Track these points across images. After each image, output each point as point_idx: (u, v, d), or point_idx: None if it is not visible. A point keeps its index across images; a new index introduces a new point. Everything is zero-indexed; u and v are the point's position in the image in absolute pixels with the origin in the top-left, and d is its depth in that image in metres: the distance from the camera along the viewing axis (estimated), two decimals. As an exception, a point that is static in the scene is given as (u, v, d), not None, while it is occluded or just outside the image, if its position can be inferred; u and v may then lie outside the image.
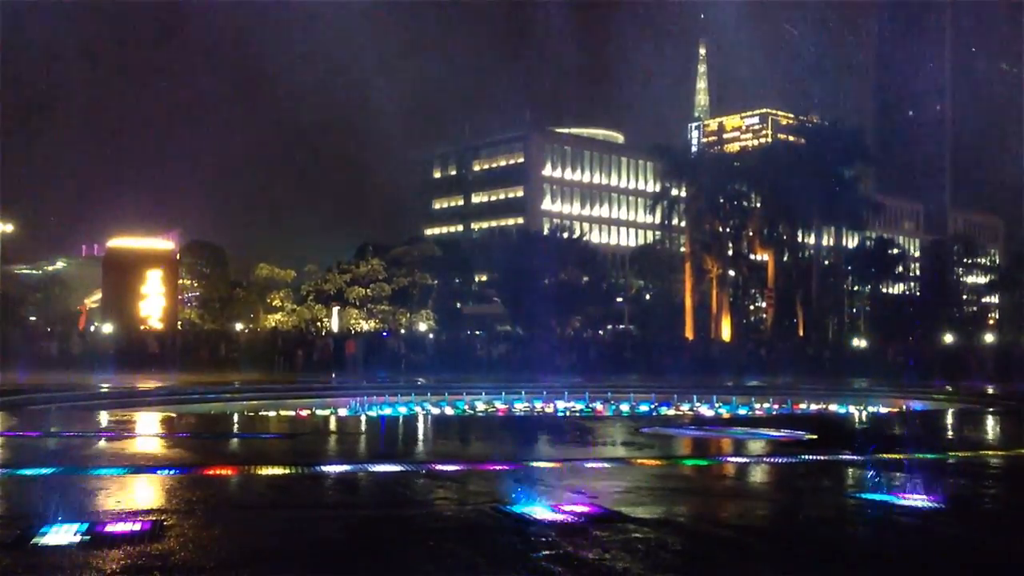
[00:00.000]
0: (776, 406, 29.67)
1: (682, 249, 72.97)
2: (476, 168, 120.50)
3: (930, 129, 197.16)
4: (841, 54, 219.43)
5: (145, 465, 11.40)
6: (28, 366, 32.55)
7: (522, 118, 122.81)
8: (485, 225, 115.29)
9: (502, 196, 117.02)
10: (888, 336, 62.64)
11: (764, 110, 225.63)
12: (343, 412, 26.34)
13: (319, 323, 69.52)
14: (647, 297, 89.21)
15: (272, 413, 24.43)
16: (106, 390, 28.35)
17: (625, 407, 28.26)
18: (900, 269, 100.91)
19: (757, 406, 29.59)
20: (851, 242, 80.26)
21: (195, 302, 74.52)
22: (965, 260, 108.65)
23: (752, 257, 77.12)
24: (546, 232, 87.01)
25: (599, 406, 28.47)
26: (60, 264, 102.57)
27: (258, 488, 9.90)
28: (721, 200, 65.61)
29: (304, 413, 25.14)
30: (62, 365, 37.91)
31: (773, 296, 69.11)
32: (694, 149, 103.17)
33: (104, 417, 20.07)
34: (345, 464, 11.62)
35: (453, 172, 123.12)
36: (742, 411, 28.06)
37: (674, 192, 68.03)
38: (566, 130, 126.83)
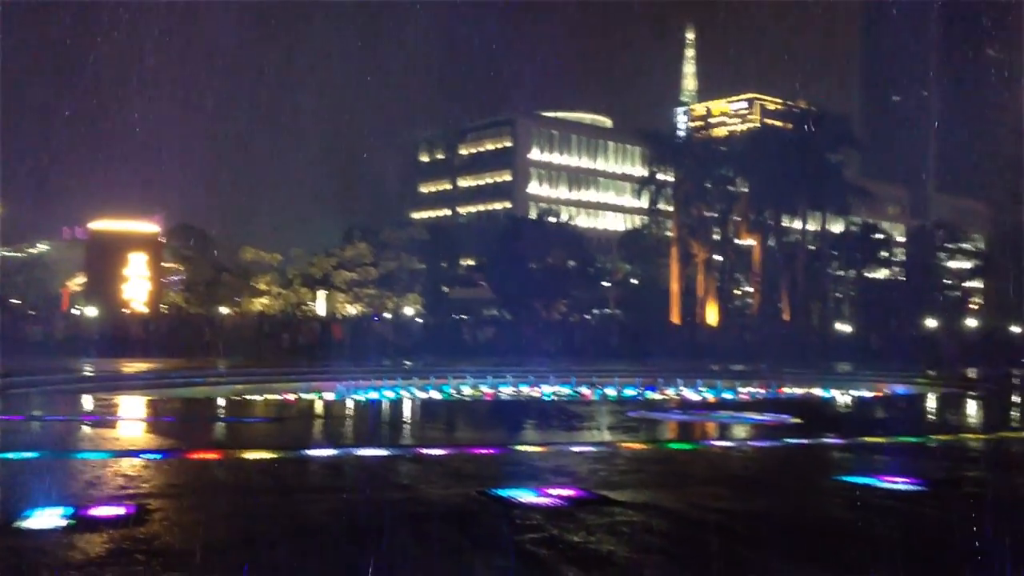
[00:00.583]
0: (761, 390, 29.81)
1: (669, 234, 72.98)
2: (463, 152, 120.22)
3: (916, 114, 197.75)
4: (828, 40, 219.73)
5: (130, 449, 11.37)
6: (10, 349, 32.36)
7: (510, 102, 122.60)
8: (472, 209, 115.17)
9: (489, 180, 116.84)
10: (872, 321, 62.95)
11: (751, 95, 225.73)
12: (329, 396, 26.30)
13: (305, 307, 69.35)
14: (634, 281, 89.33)
15: (258, 397, 24.38)
16: (90, 374, 28.25)
17: (611, 391, 28.34)
18: (884, 254, 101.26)
19: (742, 390, 29.72)
20: (836, 227, 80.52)
21: (179, 286, 74.16)
22: (949, 245, 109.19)
23: (738, 242, 77.26)
24: (533, 216, 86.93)
25: (585, 390, 28.54)
26: (42, 246, 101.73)
27: (243, 472, 9.89)
28: (708, 185, 65.63)
29: (290, 397, 25.09)
30: (45, 348, 37.69)
31: (759, 281, 69.31)
32: (681, 134, 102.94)
33: (88, 401, 20.01)
34: (331, 448, 11.62)
35: (440, 156, 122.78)
36: (727, 395, 28.17)
37: (661, 177, 67.99)
38: (553, 114, 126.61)
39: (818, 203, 64.57)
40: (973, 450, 12.92)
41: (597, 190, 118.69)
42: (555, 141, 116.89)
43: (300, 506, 7.71)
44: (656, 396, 27.65)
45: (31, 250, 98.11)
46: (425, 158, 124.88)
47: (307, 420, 17.72)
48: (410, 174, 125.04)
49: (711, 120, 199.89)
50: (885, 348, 41.32)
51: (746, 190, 67.08)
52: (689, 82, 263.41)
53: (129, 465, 9.97)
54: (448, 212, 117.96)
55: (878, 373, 33.73)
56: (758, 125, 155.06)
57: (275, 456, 10.96)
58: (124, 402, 19.77)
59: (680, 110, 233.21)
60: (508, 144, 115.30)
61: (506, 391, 28.64)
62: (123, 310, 50.97)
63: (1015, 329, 52.88)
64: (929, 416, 20.64)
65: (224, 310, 66.20)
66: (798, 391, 29.91)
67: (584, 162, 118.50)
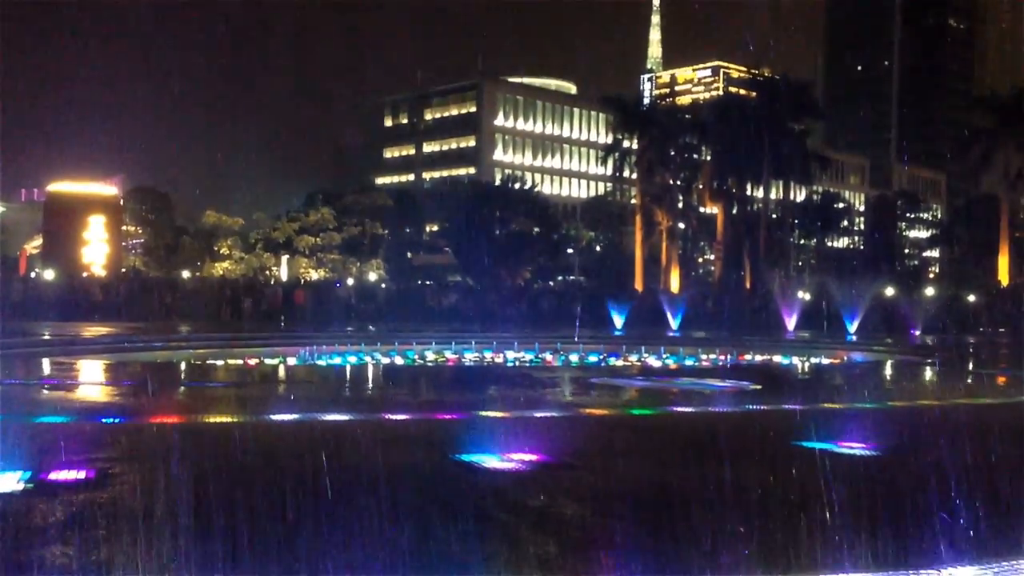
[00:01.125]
0: (722, 357, 30.12)
1: (633, 201, 73.21)
2: (428, 117, 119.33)
3: (878, 84, 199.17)
4: (793, 9, 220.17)
5: (90, 413, 11.27)
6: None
7: (475, 66, 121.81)
8: (437, 175, 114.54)
9: (454, 145, 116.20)
10: (832, 289, 63.71)
11: (716, 63, 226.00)
12: (292, 361, 26.21)
13: (268, 272, 68.86)
14: (598, 249, 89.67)
15: (220, 362, 24.23)
16: (48, 337, 27.90)
17: (574, 358, 28.50)
18: (845, 223, 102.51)
19: (704, 357, 30.02)
20: (798, 196, 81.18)
21: (139, 249, 73.30)
22: (908, 215, 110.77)
23: (702, 210, 77.70)
24: (498, 183, 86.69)
25: (549, 356, 28.66)
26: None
27: (205, 437, 9.85)
28: (672, 153, 65.80)
29: (252, 362, 24.95)
30: (1, 312, 37.10)
31: (721, 249, 69.83)
32: (646, 101, 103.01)
33: (47, 365, 19.78)
34: (294, 413, 11.59)
35: (405, 121, 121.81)
36: (689, 362, 28.45)
37: (626, 144, 68.04)
38: (519, 80, 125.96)
39: (780, 171, 65.03)
40: (929, 417, 13.18)
41: (562, 157, 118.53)
42: (520, 107, 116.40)
43: (263, 471, 7.70)
44: (619, 363, 27.87)
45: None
46: (389, 122, 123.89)
47: (270, 385, 17.66)
48: (375, 139, 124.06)
49: (676, 88, 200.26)
50: (844, 316, 41.87)
51: (710, 158, 67.38)
52: (655, 49, 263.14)
53: (89, 429, 9.89)
54: (412, 177, 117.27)
55: (837, 341, 34.22)
56: (722, 93, 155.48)
57: (237, 421, 10.93)
58: (83, 366, 19.56)
59: (645, 77, 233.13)
60: (473, 109, 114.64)
61: (470, 357, 28.69)
62: (83, 273, 50.28)
63: (972, 298, 53.83)
64: (886, 383, 21.02)
65: (185, 274, 65.57)
66: (758, 358, 30.25)
67: (549, 128, 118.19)
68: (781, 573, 4.65)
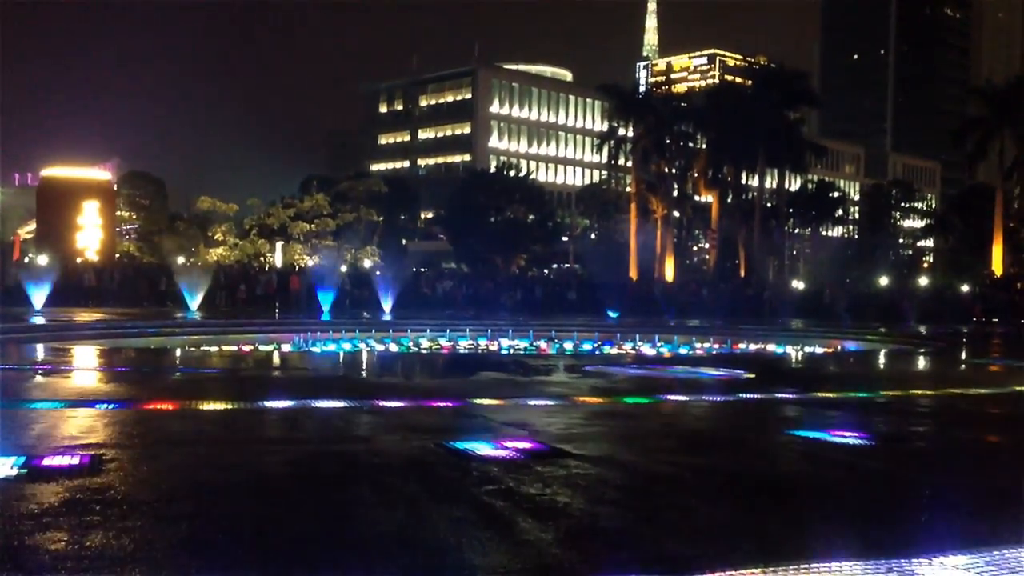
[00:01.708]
0: (716, 346, 30.19)
1: (628, 189, 73.16)
2: (423, 103, 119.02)
3: (874, 74, 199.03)
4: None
5: (84, 399, 11.26)
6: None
7: (470, 53, 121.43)
8: (432, 162, 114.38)
9: (449, 132, 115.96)
10: (826, 278, 63.81)
11: (712, 51, 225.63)
12: (286, 348, 26.21)
13: (262, 258, 68.68)
14: (592, 237, 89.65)
15: (214, 348, 24.22)
16: (42, 323, 27.84)
17: (569, 345, 28.54)
18: (840, 212, 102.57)
19: (698, 346, 30.09)
20: (794, 185, 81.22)
21: (133, 235, 73.08)
22: (903, 204, 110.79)
23: (697, 198, 77.68)
24: (493, 170, 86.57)
25: (543, 344, 28.70)
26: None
27: (199, 423, 9.84)
28: (667, 141, 65.70)
29: (247, 349, 24.96)
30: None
31: (716, 237, 69.85)
32: (642, 89, 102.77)
33: (40, 350, 19.75)
34: (288, 400, 11.59)
35: (400, 107, 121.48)
36: (683, 351, 28.51)
37: (621, 132, 67.91)
38: (514, 66, 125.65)
39: (776, 160, 64.99)
40: (921, 406, 13.23)
41: (557, 144, 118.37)
42: (516, 94, 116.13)
43: (257, 456, 7.70)
44: (613, 351, 27.92)
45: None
46: (384, 108, 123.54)
47: (264, 371, 17.66)
48: (370, 125, 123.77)
49: (672, 76, 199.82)
50: (838, 305, 41.96)
51: (705, 146, 67.31)
52: (651, 37, 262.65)
53: (83, 415, 9.88)
54: (407, 164, 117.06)
55: (831, 329, 34.29)
56: (718, 81, 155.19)
57: (231, 407, 10.92)
58: (77, 352, 19.52)
59: (641, 65, 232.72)
60: (468, 96, 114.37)
61: (464, 344, 28.72)
62: (76, 259, 50.11)
63: (965, 287, 53.95)
64: (879, 372, 21.08)
65: (180, 260, 65.39)
66: (752, 347, 30.32)
67: (544, 115, 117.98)
68: (773, 560, 4.66)
